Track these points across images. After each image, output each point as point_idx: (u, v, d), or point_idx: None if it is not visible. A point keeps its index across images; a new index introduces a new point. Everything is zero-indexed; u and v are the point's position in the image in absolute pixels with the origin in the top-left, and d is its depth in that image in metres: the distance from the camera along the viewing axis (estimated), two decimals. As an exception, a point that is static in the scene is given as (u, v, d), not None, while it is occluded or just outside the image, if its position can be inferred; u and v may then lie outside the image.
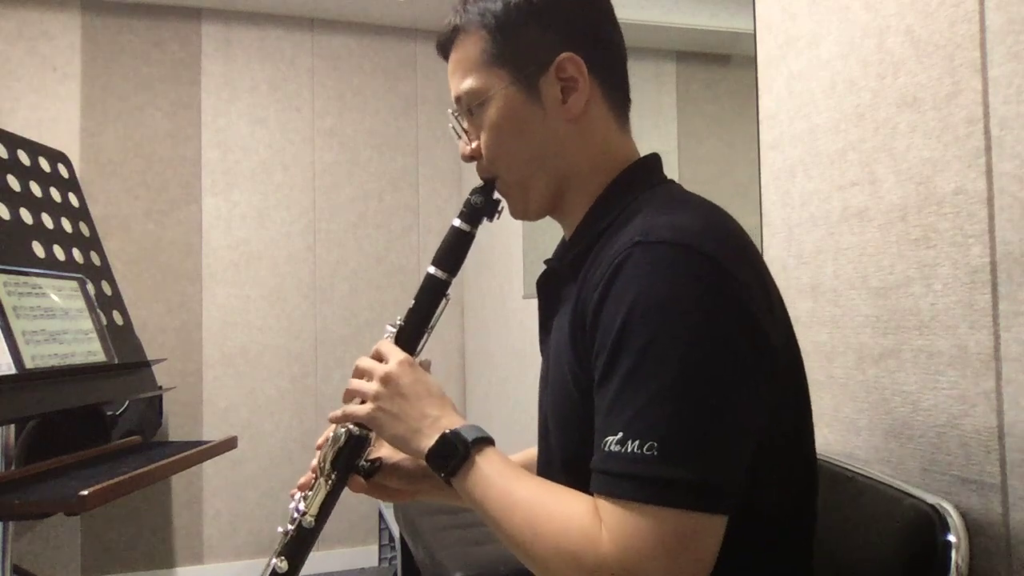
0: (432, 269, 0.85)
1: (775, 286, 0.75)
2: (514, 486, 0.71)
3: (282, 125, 3.36)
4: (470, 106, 0.82)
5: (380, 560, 3.22)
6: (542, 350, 0.90)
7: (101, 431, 2.11)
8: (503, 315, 2.94)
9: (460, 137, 0.87)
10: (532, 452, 0.96)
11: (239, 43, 3.31)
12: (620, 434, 0.62)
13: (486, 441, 0.75)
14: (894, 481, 0.90)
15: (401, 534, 2.46)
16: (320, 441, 0.89)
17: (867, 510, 0.90)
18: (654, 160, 0.86)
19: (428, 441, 0.76)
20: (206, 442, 1.86)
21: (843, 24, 1.10)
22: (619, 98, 0.84)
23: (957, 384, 0.90)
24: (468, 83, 0.81)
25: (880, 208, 1.03)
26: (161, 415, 2.72)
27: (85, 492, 1.28)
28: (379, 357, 0.84)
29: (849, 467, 0.99)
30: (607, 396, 0.65)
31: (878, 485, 0.91)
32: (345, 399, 0.86)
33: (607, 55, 0.83)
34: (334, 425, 0.88)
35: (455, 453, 0.74)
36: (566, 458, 0.77)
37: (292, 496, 0.89)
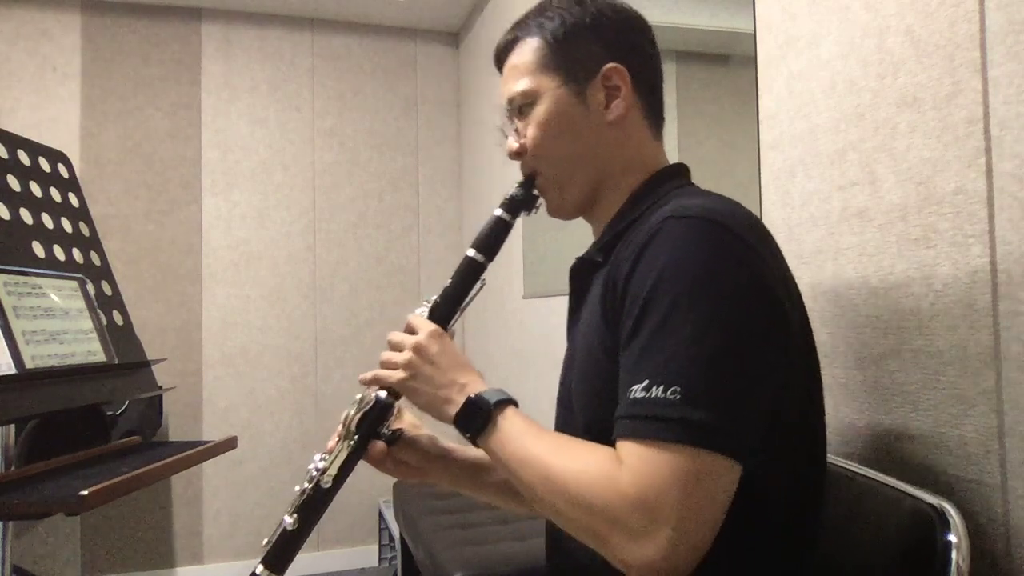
0: (471, 252, 0.91)
1: (793, 280, 0.79)
2: (533, 441, 0.74)
3: (282, 125, 3.36)
4: (521, 105, 0.89)
5: (380, 560, 3.22)
6: (568, 338, 0.94)
7: (101, 431, 2.11)
8: (503, 315, 2.94)
9: (508, 136, 0.93)
10: None
11: (239, 43, 3.31)
12: (645, 381, 0.66)
13: (509, 402, 0.79)
14: (894, 481, 0.90)
15: (401, 534, 2.46)
16: (345, 412, 0.92)
17: (867, 510, 0.90)
18: (683, 168, 0.93)
19: (455, 407, 0.80)
20: (206, 442, 1.86)
21: (843, 24, 1.10)
22: (655, 111, 0.92)
23: (957, 384, 0.90)
24: (522, 84, 0.89)
25: (880, 208, 1.03)
26: (161, 415, 2.72)
27: (85, 492, 1.28)
28: (411, 330, 0.88)
29: (849, 467, 0.99)
30: (633, 351, 0.69)
31: (878, 485, 0.91)
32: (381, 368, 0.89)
33: (647, 71, 0.90)
34: (360, 393, 0.92)
35: (479, 415, 0.78)
36: (588, 422, 0.79)
37: (313, 458, 0.91)
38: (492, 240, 0.91)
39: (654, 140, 0.91)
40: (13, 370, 1.49)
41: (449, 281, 0.91)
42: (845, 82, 1.10)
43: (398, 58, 3.54)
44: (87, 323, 1.79)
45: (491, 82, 0.86)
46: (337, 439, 0.90)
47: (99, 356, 1.77)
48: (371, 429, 0.90)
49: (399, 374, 0.85)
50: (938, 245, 0.93)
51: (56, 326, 1.66)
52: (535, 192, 0.92)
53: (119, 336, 1.94)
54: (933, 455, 0.94)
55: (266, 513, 3.24)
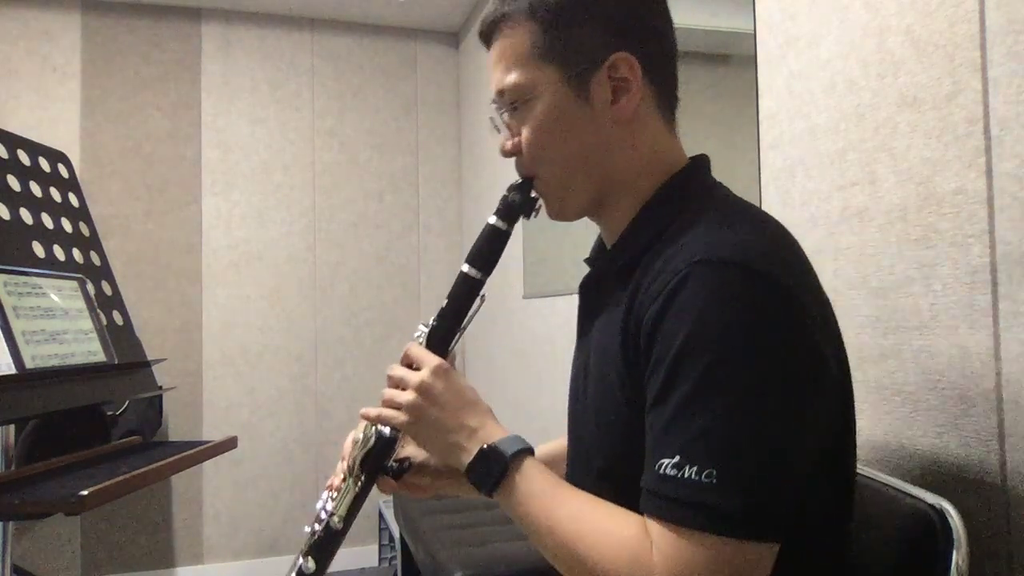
0: (466, 267, 0.83)
1: (828, 301, 0.74)
2: (557, 503, 0.69)
3: (282, 125, 3.36)
4: (514, 101, 0.79)
5: (380, 560, 3.22)
6: (578, 349, 0.87)
7: (101, 431, 2.11)
8: (503, 315, 2.94)
9: (500, 132, 0.83)
10: (562, 443, 0.95)
11: (239, 43, 3.31)
12: (677, 458, 0.61)
13: (525, 453, 0.74)
14: (894, 481, 0.90)
15: (401, 534, 2.46)
16: (348, 442, 0.88)
17: (867, 510, 0.90)
18: (703, 162, 0.83)
19: (467, 456, 0.75)
20: (206, 442, 1.86)
21: (843, 24, 1.10)
22: (669, 99, 0.81)
23: (957, 384, 0.90)
24: (513, 77, 0.78)
25: (880, 208, 1.03)
26: (161, 415, 2.72)
27: (85, 492, 1.28)
28: (411, 363, 0.81)
29: (849, 467, 0.99)
30: (663, 416, 0.63)
31: (878, 485, 0.91)
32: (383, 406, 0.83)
33: (660, 53, 0.79)
34: (363, 423, 0.87)
35: (494, 470, 0.72)
36: (605, 466, 0.75)
37: (320, 497, 0.88)
38: (488, 252, 0.83)
39: (669, 133, 0.81)
40: (13, 370, 1.49)
41: (446, 301, 0.84)
42: (845, 82, 1.10)
43: (398, 58, 3.54)
44: (87, 323, 1.79)
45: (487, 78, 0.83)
46: (342, 476, 0.87)
47: (99, 356, 1.77)
48: (376, 465, 0.86)
49: (403, 417, 0.79)
50: (938, 245, 0.93)
51: (56, 326, 1.66)
52: (533, 195, 0.83)
53: (119, 336, 1.94)
54: (933, 455, 0.94)
55: (266, 513, 3.24)
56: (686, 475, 0.60)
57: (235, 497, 3.21)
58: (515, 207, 0.82)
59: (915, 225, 0.97)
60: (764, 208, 1.31)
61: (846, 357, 0.75)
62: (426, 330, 0.84)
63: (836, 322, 0.74)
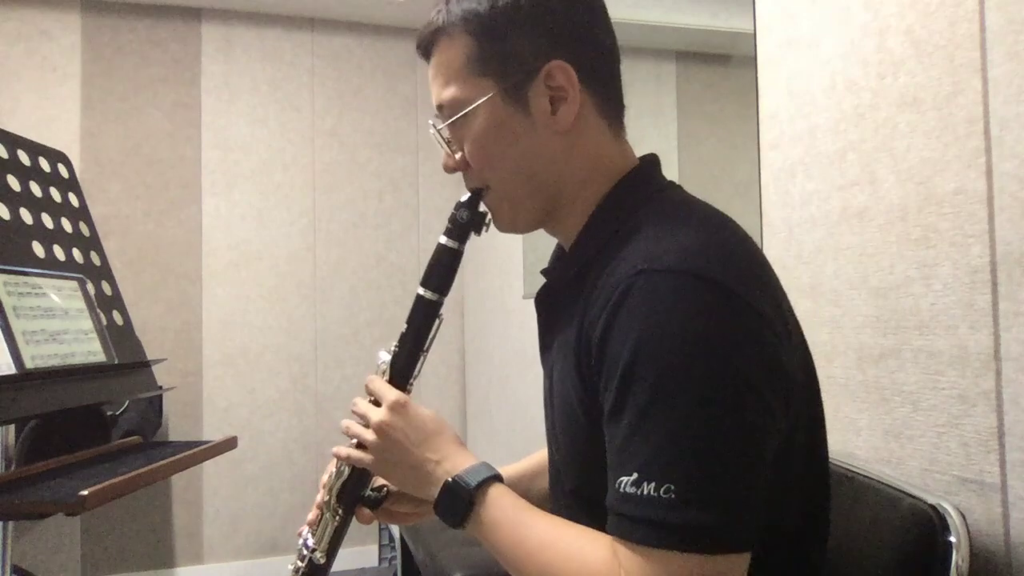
0: (421, 290, 0.82)
1: (788, 303, 0.73)
2: (525, 531, 0.69)
3: (282, 125, 3.36)
4: (453, 116, 0.77)
5: (380, 560, 3.22)
6: (543, 361, 0.87)
7: (101, 431, 2.11)
8: (503, 315, 2.94)
9: (443, 147, 0.82)
10: (543, 455, 0.94)
11: (239, 43, 3.31)
12: (635, 475, 0.60)
13: (491, 481, 0.73)
14: (894, 481, 0.90)
15: (401, 534, 2.46)
16: (324, 478, 0.88)
17: (867, 510, 0.90)
18: (651, 165, 0.81)
19: (434, 490, 0.74)
20: (206, 442, 1.86)
21: (843, 24, 1.10)
22: (612, 105, 0.80)
23: (957, 384, 0.90)
24: (451, 92, 0.77)
25: (880, 208, 1.03)
26: (161, 415, 2.72)
27: (85, 492, 1.28)
28: (372, 397, 0.82)
29: (849, 467, 0.99)
30: (618, 434, 0.63)
31: (878, 485, 0.91)
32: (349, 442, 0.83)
33: (599, 60, 0.78)
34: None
35: (460, 503, 0.72)
36: (574, 487, 0.75)
37: (300, 534, 0.88)
38: (442, 273, 0.82)
39: (615, 139, 0.79)
40: (13, 370, 1.49)
41: (406, 326, 0.83)
42: (845, 82, 1.10)
43: (398, 58, 3.54)
44: (87, 323, 1.79)
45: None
46: (319, 511, 0.86)
47: (99, 356, 1.77)
48: (353, 497, 0.86)
49: (368, 458, 0.79)
50: (938, 245, 0.93)
51: (56, 326, 1.66)
52: (482, 210, 0.81)
53: (119, 336, 1.94)
54: (933, 455, 0.94)
55: (266, 513, 3.24)
56: (645, 492, 0.59)
57: (235, 497, 3.21)
58: (464, 224, 0.81)
59: (915, 225, 0.97)
60: (764, 208, 1.31)
61: (812, 363, 0.74)
62: (388, 357, 0.84)
63: (799, 327, 0.73)
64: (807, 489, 0.72)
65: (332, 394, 3.35)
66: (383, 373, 0.83)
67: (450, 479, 0.73)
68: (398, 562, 2.59)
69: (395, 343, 0.84)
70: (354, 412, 0.82)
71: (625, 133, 0.82)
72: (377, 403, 0.80)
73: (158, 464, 1.58)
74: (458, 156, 0.80)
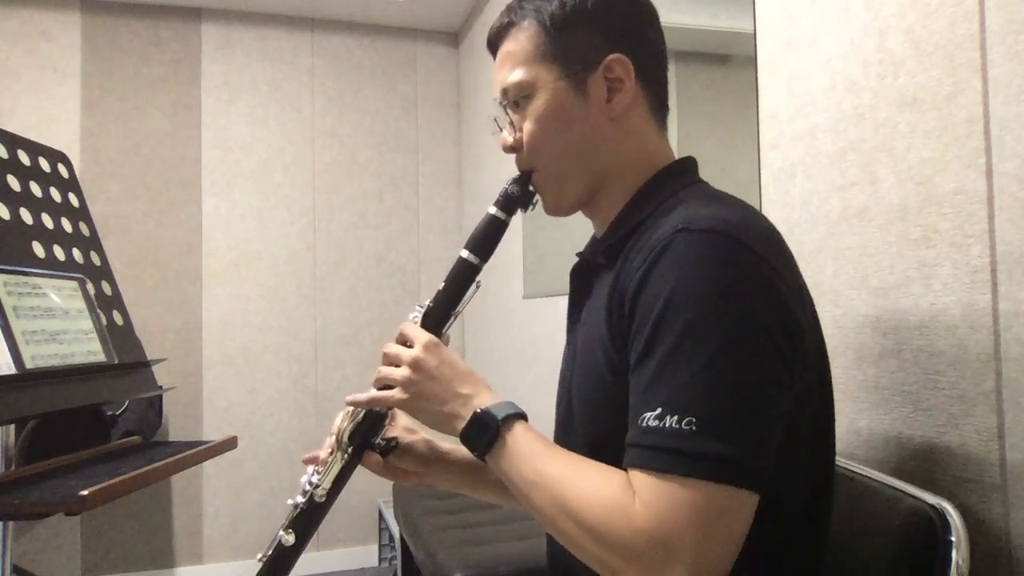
0: (465, 253, 0.87)
1: (806, 286, 0.76)
2: (544, 462, 0.72)
3: (282, 125, 3.36)
4: (517, 97, 0.84)
5: (380, 560, 3.22)
6: (568, 336, 0.91)
7: (101, 431, 2.11)
8: (503, 315, 2.94)
9: (503, 129, 0.88)
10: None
11: (239, 43, 3.31)
12: (659, 410, 0.64)
13: (517, 417, 0.76)
14: (894, 481, 0.90)
15: (401, 534, 2.46)
16: (337, 420, 0.90)
17: (867, 510, 0.90)
18: (690, 162, 0.88)
19: (462, 423, 0.77)
20: (206, 442, 1.86)
21: (843, 24, 1.10)
22: (659, 103, 0.87)
23: (957, 384, 0.90)
24: (517, 75, 0.84)
25: (880, 208, 1.03)
26: (161, 415, 2.72)
27: (85, 492, 1.28)
28: (405, 341, 0.84)
29: (849, 467, 0.99)
30: (644, 375, 0.66)
31: (878, 485, 0.91)
32: (375, 386, 0.85)
33: (652, 61, 0.85)
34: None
35: (486, 432, 0.75)
36: (592, 440, 0.77)
37: (305, 469, 0.90)
38: (486, 240, 0.87)
39: (659, 134, 0.87)
40: (13, 370, 1.49)
41: (443, 285, 0.87)
42: (845, 82, 1.10)
43: (398, 58, 3.54)
44: (87, 323, 1.79)
45: (491, 81, 0.84)
46: (330, 451, 0.88)
47: (99, 356, 1.77)
48: (364, 441, 0.88)
49: (399, 395, 0.81)
50: (938, 245, 0.93)
51: (56, 326, 1.66)
52: (531, 189, 0.87)
53: (119, 336, 1.94)
54: (933, 455, 0.94)
55: (266, 513, 3.24)
56: (667, 424, 0.63)
57: (235, 497, 3.21)
58: (514, 199, 0.87)
59: (915, 225, 0.97)
60: (764, 208, 1.31)
61: (824, 343, 0.77)
62: (422, 310, 0.87)
63: (814, 308, 0.77)
64: (813, 466, 0.74)
65: (332, 394, 3.35)
66: (416, 323, 0.86)
67: (479, 410, 0.76)
68: (398, 562, 2.60)
69: (430, 299, 0.87)
70: (385, 354, 0.84)
71: (667, 133, 0.88)
72: (409, 346, 0.83)
73: (158, 464, 1.58)
74: (516, 136, 0.86)
